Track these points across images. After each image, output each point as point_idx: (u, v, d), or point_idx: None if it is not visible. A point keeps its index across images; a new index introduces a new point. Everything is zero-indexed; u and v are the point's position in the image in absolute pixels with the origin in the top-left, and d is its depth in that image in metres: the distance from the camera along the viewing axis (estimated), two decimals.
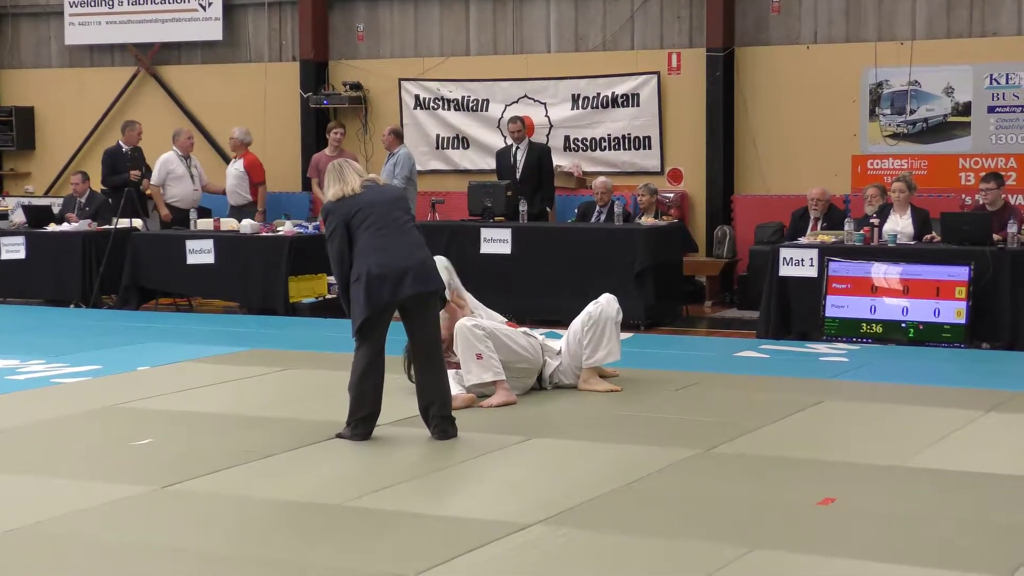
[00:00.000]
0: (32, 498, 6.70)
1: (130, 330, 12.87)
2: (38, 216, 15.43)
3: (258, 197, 15.65)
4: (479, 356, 8.63)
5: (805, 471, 7.12)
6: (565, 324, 9.78)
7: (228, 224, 14.55)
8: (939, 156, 14.86)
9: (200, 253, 14.22)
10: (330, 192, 7.83)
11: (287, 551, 5.83)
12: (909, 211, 12.47)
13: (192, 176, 15.64)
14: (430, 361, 7.82)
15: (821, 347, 11.58)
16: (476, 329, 8.67)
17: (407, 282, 7.61)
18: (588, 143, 16.34)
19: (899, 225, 12.31)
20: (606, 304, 9.29)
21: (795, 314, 12.15)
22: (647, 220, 13.75)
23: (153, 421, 8.49)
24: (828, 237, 12.44)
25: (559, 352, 9.36)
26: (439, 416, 7.78)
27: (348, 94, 17.28)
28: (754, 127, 15.59)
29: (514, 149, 14.88)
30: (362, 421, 7.78)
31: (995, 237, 11.75)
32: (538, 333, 9.54)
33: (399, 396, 8.53)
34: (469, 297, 9.34)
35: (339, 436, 7.81)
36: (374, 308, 7.58)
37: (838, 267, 11.91)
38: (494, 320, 9.24)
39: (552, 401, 9.02)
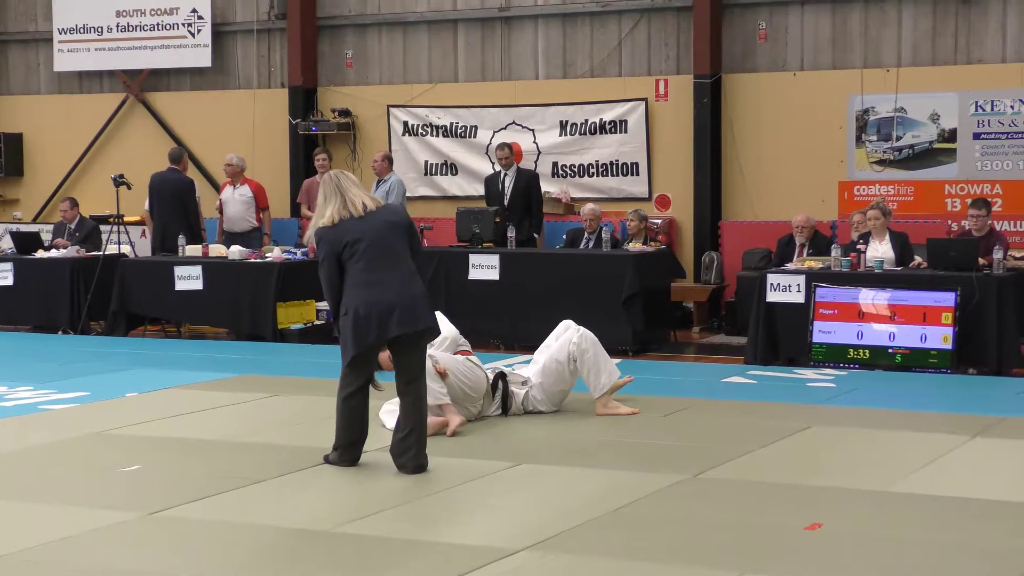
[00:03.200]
0: (19, 525, 6.68)
1: (118, 356, 12.86)
2: (26, 242, 15.43)
3: (264, 222, 15.63)
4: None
5: (793, 496, 7.13)
6: None
7: (217, 250, 14.55)
8: (925, 182, 14.93)
9: (188, 279, 14.21)
10: (328, 211, 7.51)
11: None
12: (887, 236, 12.53)
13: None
14: (411, 388, 7.69)
15: (808, 373, 11.60)
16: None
17: (393, 322, 7.43)
18: (576, 169, 16.39)
19: (879, 251, 12.36)
20: (578, 331, 9.29)
21: (783, 340, 12.18)
22: (635, 246, 13.79)
23: (141, 447, 8.48)
24: (815, 263, 12.49)
25: (525, 382, 9.36)
26: (416, 448, 7.65)
27: (337, 120, 17.32)
28: (741, 153, 15.65)
29: (502, 175, 14.92)
30: (350, 446, 7.75)
31: (981, 262, 11.80)
32: (505, 364, 9.52)
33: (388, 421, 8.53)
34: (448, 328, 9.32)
35: (326, 460, 7.80)
36: (360, 349, 7.51)
37: (825, 293, 11.95)
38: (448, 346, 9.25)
39: (540, 427, 9.03)
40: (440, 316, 9.20)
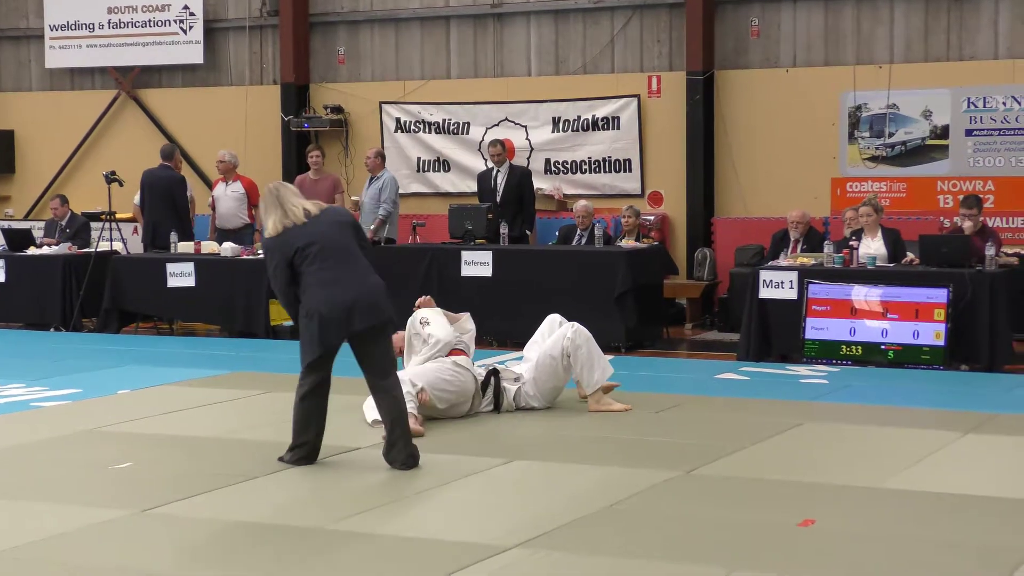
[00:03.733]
0: (9, 523, 6.66)
1: (110, 353, 12.84)
2: (18, 239, 15.40)
3: (257, 219, 15.59)
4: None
5: (785, 493, 7.13)
6: None
7: (209, 247, 14.53)
8: (917, 179, 14.94)
9: (181, 276, 14.20)
10: (269, 223, 7.59)
11: (266, 574, 5.81)
12: (880, 233, 12.53)
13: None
14: (383, 383, 7.71)
15: (801, 369, 11.61)
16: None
17: (355, 318, 7.49)
18: (569, 166, 16.38)
19: (872, 248, 12.36)
20: (572, 326, 9.29)
21: (775, 336, 12.18)
22: (628, 243, 13.79)
23: (133, 444, 8.46)
24: (808, 259, 12.49)
25: (517, 379, 9.36)
26: (403, 442, 7.67)
27: (329, 117, 17.30)
28: (734, 150, 15.66)
29: (495, 172, 14.90)
30: (304, 445, 7.75)
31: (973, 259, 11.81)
32: (498, 361, 9.51)
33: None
34: (437, 322, 9.32)
35: (281, 460, 7.77)
36: (324, 348, 7.54)
37: (818, 289, 11.95)
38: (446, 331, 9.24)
39: (533, 423, 9.03)
40: (439, 318, 9.22)
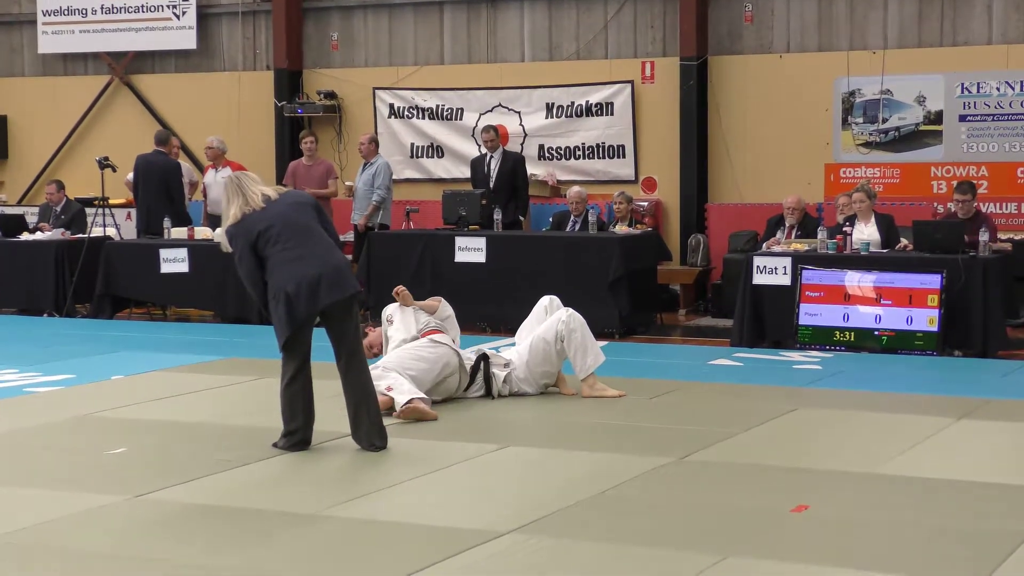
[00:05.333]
0: (3, 509, 6.66)
1: (104, 339, 12.83)
2: (10, 225, 15.38)
3: None
4: (389, 388, 8.57)
5: (779, 478, 7.14)
6: None
7: (202, 233, 14.52)
8: (911, 164, 14.95)
9: (174, 262, 14.19)
10: (230, 211, 7.66)
11: (261, 560, 5.82)
12: (873, 219, 12.54)
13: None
14: (352, 362, 7.73)
15: (795, 355, 11.62)
16: (374, 370, 8.55)
17: (322, 292, 7.52)
18: (562, 152, 16.37)
19: (865, 234, 12.37)
20: (567, 311, 9.29)
21: (769, 322, 12.19)
22: (621, 229, 13.79)
23: (127, 430, 8.46)
24: (801, 245, 12.50)
25: (507, 364, 9.35)
26: (368, 423, 7.72)
27: (322, 103, 17.28)
28: (728, 136, 15.65)
29: (488, 158, 14.89)
30: (297, 431, 7.76)
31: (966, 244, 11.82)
32: (491, 347, 9.51)
33: None
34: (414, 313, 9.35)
35: (275, 447, 7.78)
36: (294, 325, 7.56)
37: (811, 275, 11.96)
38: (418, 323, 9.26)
39: (526, 410, 9.03)
40: (407, 316, 9.21)
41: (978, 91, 14.62)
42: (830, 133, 15.25)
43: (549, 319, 9.37)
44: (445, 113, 16.87)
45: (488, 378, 9.29)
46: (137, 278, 14.43)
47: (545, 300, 9.60)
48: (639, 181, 16.06)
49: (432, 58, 17.04)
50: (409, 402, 8.54)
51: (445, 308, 9.54)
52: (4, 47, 19.49)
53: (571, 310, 9.34)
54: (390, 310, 9.38)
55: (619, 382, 9.62)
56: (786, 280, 12.06)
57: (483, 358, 9.33)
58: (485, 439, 8.08)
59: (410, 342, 9.10)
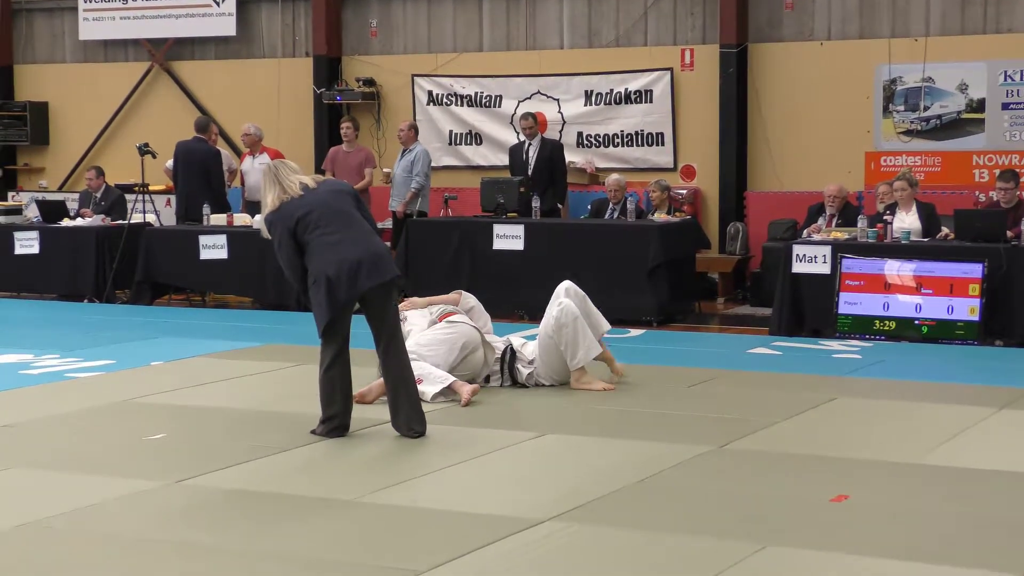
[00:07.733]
0: (43, 493, 6.71)
1: (143, 325, 12.89)
2: (52, 211, 15.46)
3: None
4: (420, 380, 8.55)
5: (818, 468, 7.11)
6: None
7: (241, 219, 14.56)
8: (953, 153, 14.84)
9: (213, 248, 14.24)
10: (268, 199, 7.70)
11: (299, 546, 5.83)
12: (914, 207, 12.46)
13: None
14: (391, 346, 7.75)
15: (834, 344, 11.56)
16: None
17: (362, 276, 7.55)
18: (601, 139, 16.33)
19: (906, 222, 12.29)
20: (566, 301, 9.21)
21: (808, 311, 12.13)
22: (660, 217, 13.75)
23: (166, 416, 8.50)
24: (841, 234, 12.43)
25: (531, 361, 9.32)
26: (408, 407, 7.73)
27: (361, 90, 17.29)
28: (767, 123, 15.57)
29: (527, 145, 14.87)
30: (335, 417, 7.78)
31: (1008, 234, 11.73)
32: (524, 335, 9.48)
33: None
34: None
35: (313, 433, 7.79)
36: (335, 310, 7.58)
37: (851, 264, 11.90)
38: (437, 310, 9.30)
39: (563, 398, 9.02)
40: (419, 318, 9.22)
41: (1021, 79, 14.50)
42: (871, 121, 15.15)
43: (546, 315, 9.31)
44: (484, 100, 16.86)
45: (513, 371, 9.28)
46: (176, 264, 14.49)
47: (560, 289, 9.49)
48: (678, 169, 16.01)
49: (471, 45, 17.01)
50: (449, 387, 8.59)
51: (468, 299, 9.53)
52: (46, 34, 19.58)
53: (565, 303, 9.19)
54: (404, 310, 9.35)
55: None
56: (826, 269, 12.00)
57: (510, 351, 9.31)
58: (524, 427, 8.07)
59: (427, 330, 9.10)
